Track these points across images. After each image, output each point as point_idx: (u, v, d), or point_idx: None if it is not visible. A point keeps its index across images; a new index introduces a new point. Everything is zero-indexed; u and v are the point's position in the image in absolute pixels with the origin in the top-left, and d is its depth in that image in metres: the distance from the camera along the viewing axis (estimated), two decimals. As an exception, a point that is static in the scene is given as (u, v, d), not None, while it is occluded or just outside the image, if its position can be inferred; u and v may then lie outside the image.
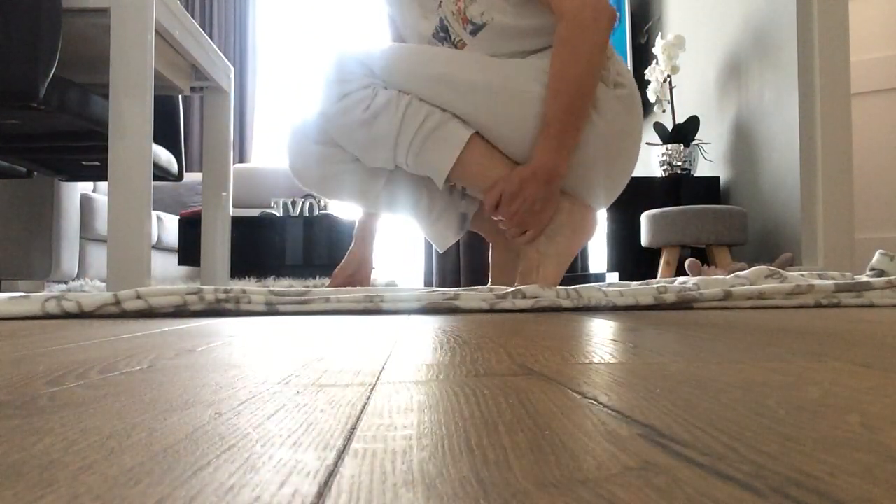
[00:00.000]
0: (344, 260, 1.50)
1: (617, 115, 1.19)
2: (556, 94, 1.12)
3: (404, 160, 1.19)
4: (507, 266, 1.44)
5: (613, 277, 2.66)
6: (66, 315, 0.94)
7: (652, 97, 2.78)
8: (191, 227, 3.03)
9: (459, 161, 1.16)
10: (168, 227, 3.57)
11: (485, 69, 1.16)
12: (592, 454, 0.19)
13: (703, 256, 2.48)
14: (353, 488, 0.16)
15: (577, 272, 3.09)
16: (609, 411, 0.25)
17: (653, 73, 2.77)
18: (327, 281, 2.65)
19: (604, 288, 1.18)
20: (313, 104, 1.22)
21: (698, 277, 1.37)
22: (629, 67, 3.30)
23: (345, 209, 5.09)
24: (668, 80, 2.71)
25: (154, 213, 3.43)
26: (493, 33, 1.20)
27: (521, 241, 1.24)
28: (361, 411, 0.26)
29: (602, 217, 2.66)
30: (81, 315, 0.94)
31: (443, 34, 1.25)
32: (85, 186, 2.99)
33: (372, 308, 1.01)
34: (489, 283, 1.42)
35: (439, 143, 1.16)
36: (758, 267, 1.26)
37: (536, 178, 1.15)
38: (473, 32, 1.21)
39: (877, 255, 1.45)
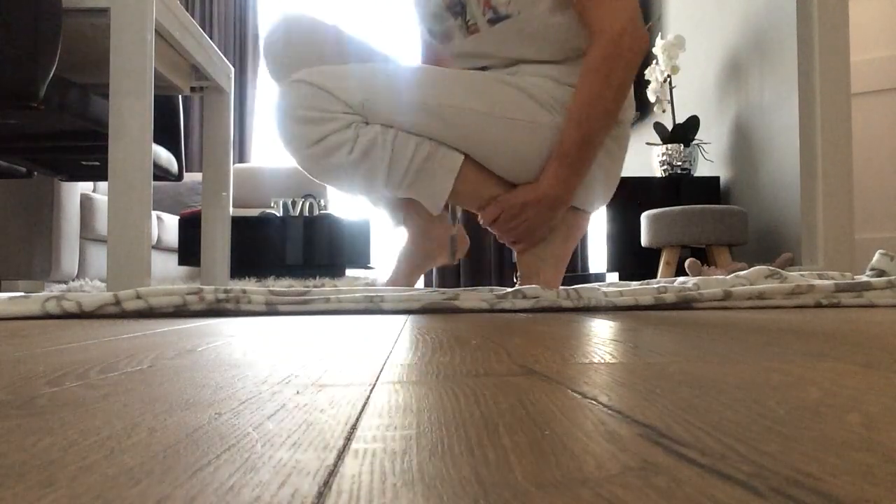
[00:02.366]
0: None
1: (605, 150, 1.17)
2: (578, 125, 1.07)
3: (395, 192, 1.14)
4: (412, 265, 1.38)
5: (613, 277, 2.66)
6: (66, 315, 0.94)
7: (652, 97, 2.78)
8: (191, 227, 3.03)
9: (453, 187, 1.13)
10: (168, 227, 3.57)
11: (478, 94, 1.10)
12: (592, 454, 0.19)
13: (703, 256, 2.48)
14: (353, 488, 0.16)
15: (577, 272, 3.09)
16: (609, 411, 0.25)
17: (653, 73, 2.77)
18: (328, 281, 2.64)
19: (604, 288, 1.18)
20: (281, 141, 1.13)
21: (698, 277, 1.37)
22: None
23: (345, 209, 5.09)
24: (668, 80, 2.71)
25: (154, 213, 3.43)
26: (512, 29, 1.11)
27: (514, 247, 1.24)
28: (361, 411, 0.26)
29: (602, 217, 2.66)
30: (81, 315, 0.94)
31: (458, 8, 1.15)
32: (85, 186, 2.99)
33: (372, 308, 1.01)
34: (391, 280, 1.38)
35: (432, 173, 1.11)
36: (758, 267, 1.26)
37: (541, 204, 1.13)
38: (493, 21, 1.12)
39: (877, 255, 1.45)
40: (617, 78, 1.06)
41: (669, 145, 2.58)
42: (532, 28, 1.11)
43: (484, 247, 5.15)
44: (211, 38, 4.10)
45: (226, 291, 0.99)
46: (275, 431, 0.23)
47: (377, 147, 1.07)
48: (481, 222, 1.21)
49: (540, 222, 1.16)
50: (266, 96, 5.29)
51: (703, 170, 2.82)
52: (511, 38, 1.13)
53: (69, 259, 2.58)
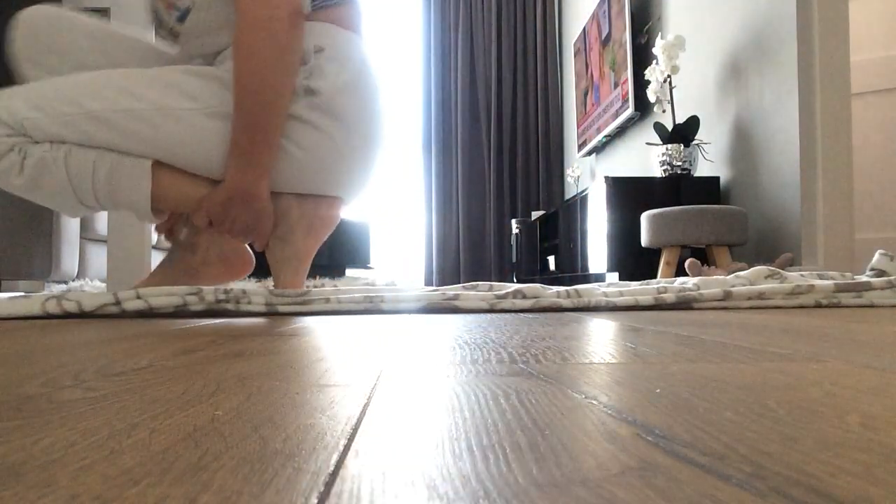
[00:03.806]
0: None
1: (310, 127, 1.07)
2: (239, 111, 1.01)
3: (98, 206, 1.07)
4: (167, 269, 1.30)
5: (613, 277, 2.66)
6: (66, 315, 0.94)
7: (652, 97, 2.78)
8: (191, 227, 3.03)
9: (153, 193, 1.05)
10: (168, 227, 3.57)
11: (148, 92, 1.03)
12: (592, 454, 0.19)
13: (703, 256, 2.48)
14: (353, 488, 0.16)
15: (577, 272, 3.09)
16: (609, 411, 0.25)
17: (653, 73, 2.77)
18: (328, 281, 2.64)
19: (604, 288, 1.18)
20: None
21: (698, 277, 1.37)
22: (628, 67, 3.30)
23: (345, 210, 5.07)
24: (668, 80, 2.71)
25: (154, 213, 3.42)
26: (199, 20, 1.07)
27: (255, 246, 1.17)
28: (362, 411, 0.26)
29: (602, 217, 2.66)
30: (81, 315, 0.94)
31: (158, 23, 1.12)
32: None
33: (372, 308, 1.01)
34: (141, 280, 1.29)
35: (123, 185, 1.04)
36: (758, 267, 1.26)
37: (234, 201, 1.06)
38: (180, 19, 1.08)
39: (877, 255, 1.45)
40: (263, 52, 0.99)
41: (669, 145, 2.58)
42: (214, 15, 1.07)
43: (484, 246, 5.16)
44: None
45: (226, 292, 0.99)
46: (275, 431, 0.23)
47: (48, 167, 1.01)
48: (198, 224, 1.12)
49: (249, 218, 1.08)
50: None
51: (703, 170, 2.82)
52: (202, 30, 1.09)
53: (69, 259, 2.58)
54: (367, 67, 1.16)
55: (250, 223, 1.09)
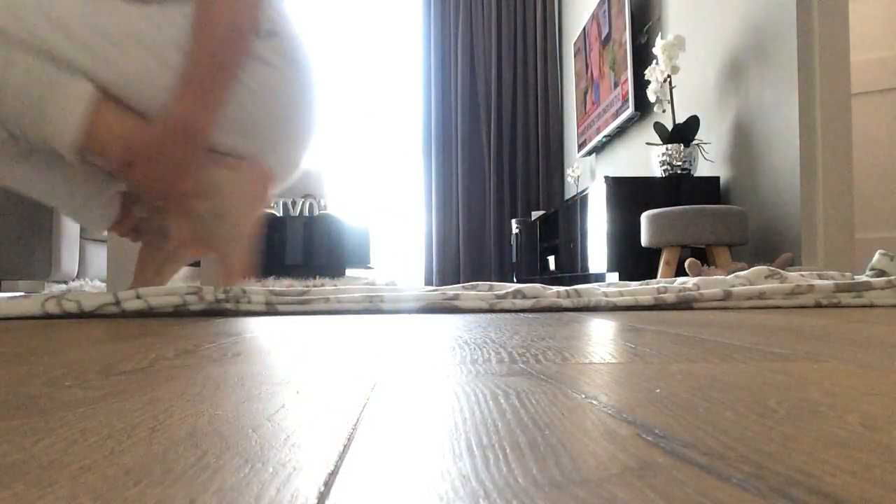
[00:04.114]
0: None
1: (272, 68, 1.03)
2: (201, 39, 0.96)
3: (17, 128, 0.96)
4: (149, 262, 1.24)
5: (613, 277, 2.66)
6: (66, 315, 0.94)
7: (652, 97, 2.78)
8: (191, 227, 3.03)
9: (87, 125, 0.95)
10: (168, 227, 3.57)
11: (108, 13, 0.96)
12: (592, 454, 0.19)
13: (703, 256, 2.48)
14: (353, 488, 0.16)
15: (577, 272, 3.09)
16: (609, 411, 0.25)
17: (653, 73, 2.77)
18: (328, 281, 2.64)
19: (604, 288, 1.18)
20: None
21: (698, 277, 1.37)
22: (628, 67, 3.30)
23: (345, 209, 5.08)
24: (668, 80, 2.71)
25: (154, 213, 3.42)
26: None
27: (160, 213, 1.08)
28: (361, 411, 0.26)
29: (602, 217, 2.66)
30: (81, 315, 0.94)
31: None
32: (85, 186, 2.99)
33: (372, 308, 1.01)
34: (132, 281, 1.22)
35: (56, 102, 0.93)
36: (758, 267, 1.26)
37: (175, 134, 0.97)
38: None
39: (877, 255, 1.45)
40: None
41: (669, 145, 2.58)
42: None
43: (484, 245, 5.16)
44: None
45: (225, 291, 0.99)
46: (275, 431, 0.23)
47: None
48: (116, 175, 1.02)
49: (179, 158, 0.99)
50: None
51: (703, 170, 2.82)
52: None
53: (69, 259, 2.58)
54: (307, 34, 1.12)
55: (179, 172, 1.00)
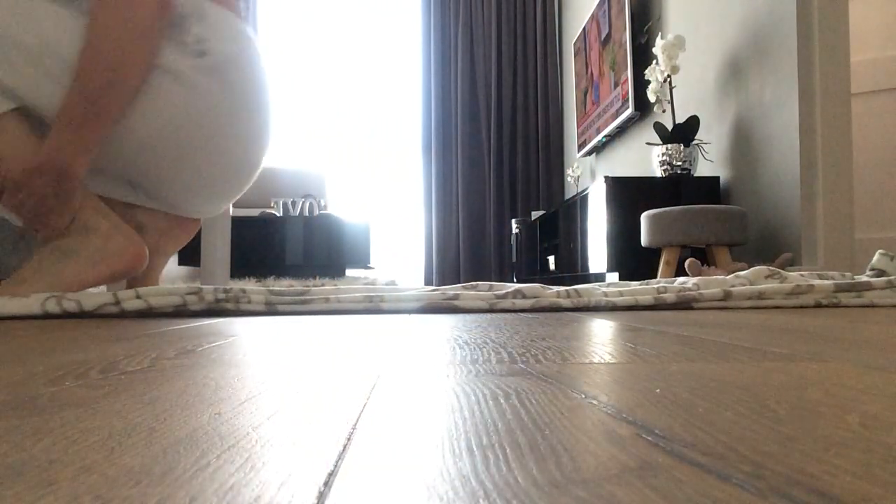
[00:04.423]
0: None
1: (194, 90, 0.98)
2: (81, 79, 0.91)
3: None
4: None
5: (613, 277, 2.66)
6: (66, 315, 0.94)
7: (652, 97, 2.78)
8: (191, 227, 3.02)
9: None
10: (168, 227, 3.56)
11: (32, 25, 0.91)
12: (592, 454, 0.19)
13: (703, 256, 2.48)
14: (352, 489, 0.16)
15: (577, 272, 3.09)
16: (609, 411, 0.25)
17: (653, 73, 2.77)
18: (328, 281, 2.64)
19: (604, 288, 1.18)
20: None
21: (698, 277, 1.37)
22: (628, 67, 3.30)
23: (345, 209, 5.08)
24: (668, 80, 2.71)
25: (154, 213, 3.41)
26: None
27: (37, 235, 1.04)
28: (361, 411, 0.26)
29: (602, 217, 2.66)
30: (81, 315, 0.94)
31: None
32: (85, 186, 2.98)
33: (372, 308, 1.01)
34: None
35: None
36: (758, 267, 1.26)
37: (41, 172, 0.94)
38: None
39: (877, 255, 1.45)
40: (113, 29, 0.91)
41: (669, 145, 2.58)
42: None
43: (484, 245, 5.16)
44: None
45: (225, 291, 0.99)
46: (275, 431, 0.23)
47: None
48: None
49: (49, 195, 0.96)
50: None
51: (703, 170, 2.82)
52: None
53: (69, 259, 2.57)
54: (257, 54, 1.06)
55: (49, 205, 0.97)
